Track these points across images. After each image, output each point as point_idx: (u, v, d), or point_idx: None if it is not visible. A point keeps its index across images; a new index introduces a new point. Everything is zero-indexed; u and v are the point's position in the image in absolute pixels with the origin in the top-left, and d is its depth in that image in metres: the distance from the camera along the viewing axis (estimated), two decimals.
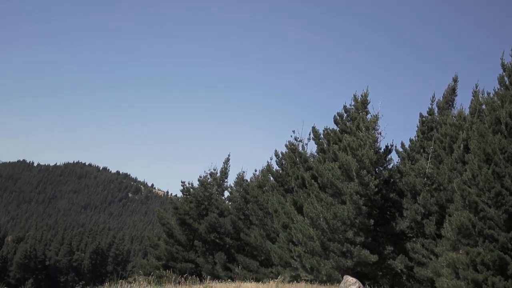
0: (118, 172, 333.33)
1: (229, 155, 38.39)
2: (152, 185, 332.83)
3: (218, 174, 37.63)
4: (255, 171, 37.73)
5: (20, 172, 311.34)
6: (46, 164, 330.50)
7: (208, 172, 37.62)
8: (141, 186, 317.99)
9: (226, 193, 38.12)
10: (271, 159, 34.12)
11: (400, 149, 29.54)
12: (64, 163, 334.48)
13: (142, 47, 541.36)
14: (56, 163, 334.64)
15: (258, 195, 31.41)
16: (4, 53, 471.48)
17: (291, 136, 32.19)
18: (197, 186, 37.02)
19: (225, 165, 37.83)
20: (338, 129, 28.38)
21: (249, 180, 36.84)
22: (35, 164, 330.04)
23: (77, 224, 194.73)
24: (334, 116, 28.97)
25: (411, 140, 29.15)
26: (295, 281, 20.85)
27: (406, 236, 24.80)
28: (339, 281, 20.88)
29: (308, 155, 30.93)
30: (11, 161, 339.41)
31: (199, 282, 19.83)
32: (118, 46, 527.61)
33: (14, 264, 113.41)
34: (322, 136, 29.66)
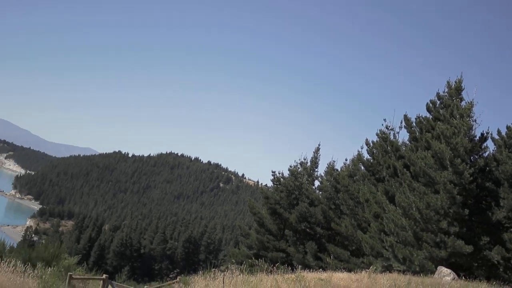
0: (209, 162, 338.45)
1: (319, 145, 38.28)
2: (243, 175, 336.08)
3: (309, 164, 37.54)
4: (346, 160, 37.43)
5: (116, 163, 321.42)
6: (140, 155, 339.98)
7: (299, 162, 37.62)
8: (232, 176, 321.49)
9: (317, 183, 38.04)
10: (361, 148, 33.80)
11: (496, 137, 28.43)
12: (158, 154, 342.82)
13: None
14: (150, 154, 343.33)
15: (349, 184, 31.15)
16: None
17: (382, 124, 31.75)
18: (287, 175, 37.09)
19: (315, 155, 37.69)
20: (431, 116, 27.75)
21: (339, 170, 36.59)
22: (130, 155, 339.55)
23: (170, 214, 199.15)
24: (427, 103, 28.35)
25: (508, 127, 28.04)
26: (387, 272, 20.57)
27: (503, 227, 23.93)
28: (432, 272, 20.44)
29: (399, 144, 30.41)
30: (107, 152, 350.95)
31: (290, 271, 19.83)
32: None
33: (111, 251, 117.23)
34: (414, 124, 29.08)
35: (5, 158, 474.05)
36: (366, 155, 33.12)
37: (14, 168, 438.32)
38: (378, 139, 31.52)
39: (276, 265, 21.04)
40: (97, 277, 21.88)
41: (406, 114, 29.89)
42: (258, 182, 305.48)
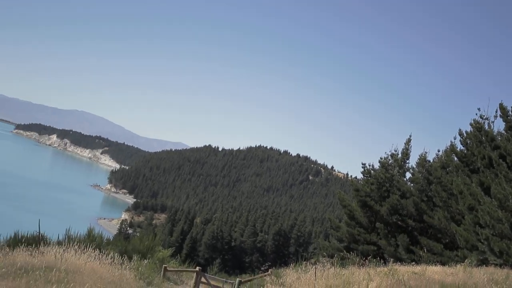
0: (298, 155, 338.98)
1: (410, 136, 37.54)
2: (332, 167, 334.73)
3: (399, 155, 36.90)
4: (438, 151, 36.48)
5: (206, 157, 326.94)
6: (230, 148, 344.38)
7: (389, 153, 37.03)
8: (321, 169, 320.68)
9: (408, 175, 37.30)
10: (454, 138, 32.91)
11: None
12: (247, 147, 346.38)
13: None
14: (240, 148, 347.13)
15: (442, 176, 30.44)
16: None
17: (476, 114, 30.75)
18: (378, 167, 36.60)
19: (407, 146, 37.00)
20: None
21: (431, 161, 35.73)
22: (220, 149, 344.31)
23: (260, 206, 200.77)
24: None
25: None
26: (483, 265, 20.00)
27: None
28: None
29: (495, 134, 29.40)
30: (198, 146, 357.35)
31: (382, 264, 19.60)
32: None
33: (203, 244, 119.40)
34: (510, 113, 28.07)
35: (101, 153, 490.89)
36: (459, 146, 32.26)
37: (109, 163, 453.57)
38: (472, 129, 30.61)
39: (367, 258, 20.84)
40: (190, 269, 22.34)
41: (502, 103, 28.87)
42: (347, 174, 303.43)
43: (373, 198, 34.74)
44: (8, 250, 14.79)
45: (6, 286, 8.95)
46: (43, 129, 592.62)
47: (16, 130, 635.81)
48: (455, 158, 32.30)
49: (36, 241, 16.35)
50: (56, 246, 15.76)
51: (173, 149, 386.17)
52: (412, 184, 36.11)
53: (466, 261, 19.16)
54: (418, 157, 36.05)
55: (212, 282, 20.59)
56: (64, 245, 16.08)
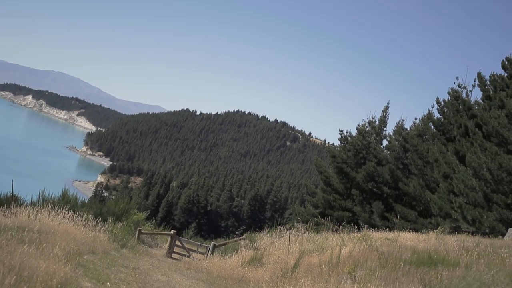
0: (276, 121, 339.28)
1: (388, 103, 37.63)
2: (310, 133, 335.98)
3: (377, 123, 37.00)
4: (415, 119, 36.56)
5: (184, 120, 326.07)
6: (208, 112, 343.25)
7: (367, 121, 37.11)
8: (299, 135, 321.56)
9: (385, 142, 37.50)
10: (432, 107, 33.03)
11: None
12: (225, 112, 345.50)
13: None
14: (217, 112, 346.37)
15: (418, 144, 30.57)
16: None
17: (454, 83, 30.80)
18: (355, 134, 36.70)
19: (384, 113, 37.09)
20: (506, 75, 26.80)
21: (408, 129, 35.87)
22: (197, 113, 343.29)
23: (237, 171, 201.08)
24: (502, 61, 27.35)
25: None
26: (455, 233, 20.20)
27: None
28: (503, 234, 19.95)
29: (472, 103, 29.52)
30: (176, 110, 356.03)
31: (356, 230, 19.73)
32: None
33: (179, 208, 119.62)
34: (488, 82, 28.15)
35: (77, 115, 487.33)
36: (436, 114, 32.38)
37: (85, 125, 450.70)
38: (449, 97, 30.70)
39: (342, 224, 20.98)
40: (165, 232, 22.31)
41: (480, 72, 28.94)
42: (325, 141, 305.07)
43: (350, 165, 34.90)
44: None
45: None
46: (18, 89, 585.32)
47: None
48: (432, 127, 32.46)
49: (9, 201, 16.17)
50: (30, 207, 15.62)
51: (150, 112, 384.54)
52: (388, 152, 36.34)
53: (439, 228, 19.34)
54: (395, 125, 36.20)
55: (187, 246, 20.63)
56: (38, 206, 15.95)
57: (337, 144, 40.66)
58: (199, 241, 25.41)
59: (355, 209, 32.88)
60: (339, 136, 37.61)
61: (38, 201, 17.40)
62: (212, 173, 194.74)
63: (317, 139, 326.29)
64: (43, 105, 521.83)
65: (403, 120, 36.25)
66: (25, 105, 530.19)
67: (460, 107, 29.15)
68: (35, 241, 10.64)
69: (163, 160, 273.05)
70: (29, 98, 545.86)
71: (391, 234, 17.79)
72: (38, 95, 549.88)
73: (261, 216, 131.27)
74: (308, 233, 19.40)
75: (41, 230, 12.37)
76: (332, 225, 20.98)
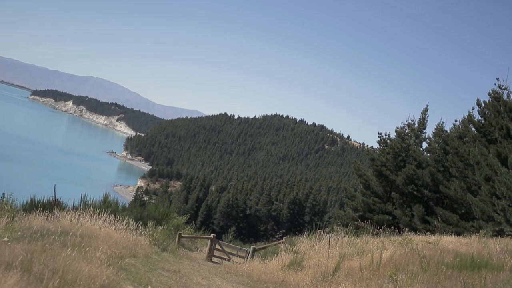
0: (314, 124, 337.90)
1: (427, 105, 37.22)
2: (348, 136, 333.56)
3: (416, 125, 36.64)
4: (455, 121, 36.12)
5: (222, 125, 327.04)
6: (246, 116, 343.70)
7: (406, 123, 36.77)
8: (337, 138, 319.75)
9: (424, 144, 37.09)
10: (472, 108, 32.59)
11: None
12: (263, 116, 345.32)
13: None
14: (255, 116, 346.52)
15: (459, 146, 30.20)
16: None
17: (495, 84, 30.33)
18: (394, 137, 36.40)
19: (423, 115, 36.71)
20: None
21: (448, 131, 35.46)
22: (235, 117, 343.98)
23: (275, 175, 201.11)
24: None
25: None
26: (498, 236, 19.90)
27: None
28: None
29: None
30: (214, 114, 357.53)
31: (397, 234, 19.57)
32: None
33: (218, 212, 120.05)
34: None
35: (117, 120, 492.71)
36: (477, 116, 31.94)
37: (125, 130, 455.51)
38: (490, 99, 30.25)
39: (382, 227, 20.83)
40: (205, 236, 22.42)
41: None
42: (363, 144, 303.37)
43: (389, 167, 34.62)
44: (24, 214, 14.90)
45: (22, 249, 9.01)
46: (59, 96, 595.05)
47: (32, 96, 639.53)
48: (473, 128, 32.04)
49: (51, 206, 16.45)
50: (72, 212, 15.89)
51: (188, 117, 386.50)
52: (428, 154, 35.92)
53: (481, 231, 19.08)
54: (435, 127, 35.81)
55: (227, 249, 20.68)
56: (80, 210, 16.21)
57: (376, 147, 40.43)
58: (239, 245, 25.46)
59: (395, 213, 32.60)
60: (378, 139, 37.37)
61: (80, 205, 17.67)
62: (250, 176, 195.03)
63: (356, 142, 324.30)
64: (83, 111, 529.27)
65: (443, 122, 35.86)
66: (66, 111, 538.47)
67: (501, 108, 28.68)
68: (78, 245, 10.83)
69: (202, 164, 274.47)
70: (70, 104, 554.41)
71: (432, 238, 17.62)
72: (79, 101, 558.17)
73: (300, 219, 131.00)
74: (348, 236, 19.32)
75: (83, 234, 12.59)
76: (372, 228, 20.87)
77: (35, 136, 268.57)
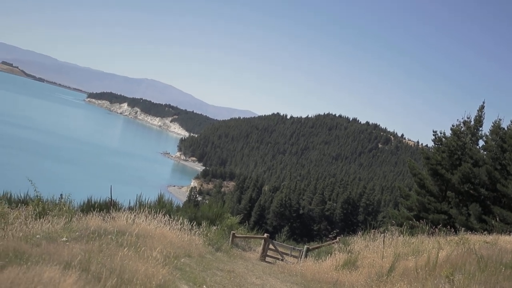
0: (367, 123, 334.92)
1: (483, 102, 36.51)
2: (402, 135, 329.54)
3: (472, 122, 35.96)
4: None
5: (275, 124, 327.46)
6: (298, 116, 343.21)
7: (461, 121, 36.14)
8: (391, 137, 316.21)
9: (481, 142, 36.40)
10: None
11: None
12: (315, 115, 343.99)
13: None
14: (308, 115, 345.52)
15: None
16: None
17: None
18: (449, 135, 35.82)
19: (480, 113, 36.00)
20: None
21: (506, 128, 34.70)
22: (288, 117, 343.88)
23: (328, 174, 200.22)
24: None
25: None
26: None
27: None
28: None
29: None
30: (266, 114, 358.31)
31: (453, 233, 19.26)
32: None
33: (271, 212, 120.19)
34: None
35: (170, 121, 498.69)
36: None
37: (178, 131, 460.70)
38: None
39: (437, 227, 20.53)
40: (258, 236, 22.47)
41: None
42: (418, 142, 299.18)
43: (444, 166, 34.09)
44: (81, 215, 15.23)
45: (80, 249, 9.21)
46: (114, 98, 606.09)
47: (88, 99, 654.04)
48: None
49: (108, 206, 16.75)
50: (127, 212, 16.16)
51: (241, 117, 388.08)
52: (485, 152, 35.22)
53: None
54: (492, 124, 35.08)
55: (280, 249, 20.69)
56: (135, 211, 16.47)
57: (431, 146, 39.84)
58: (292, 245, 25.43)
59: (451, 212, 32.07)
60: (433, 137, 36.83)
61: (135, 206, 17.93)
62: (303, 176, 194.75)
63: (410, 140, 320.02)
64: (137, 113, 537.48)
65: (500, 120, 35.09)
66: (121, 113, 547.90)
67: None
68: (134, 244, 11.00)
69: (254, 164, 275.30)
70: (125, 106, 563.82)
71: (489, 237, 17.29)
72: (133, 102, 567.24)
73: (353, 219, 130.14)
74: (403, 236, 19.10)
75: (139, 234, 12.79)
76: (427, 228, 20.58)
77: (92, 138, 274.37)
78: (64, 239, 10.62)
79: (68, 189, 18.22)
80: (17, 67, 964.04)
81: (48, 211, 14.05)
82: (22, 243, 9.31)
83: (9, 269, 6.62)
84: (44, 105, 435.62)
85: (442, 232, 19.13)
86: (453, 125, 36.12)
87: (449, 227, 22.04)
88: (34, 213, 13.64)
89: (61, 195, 15.88)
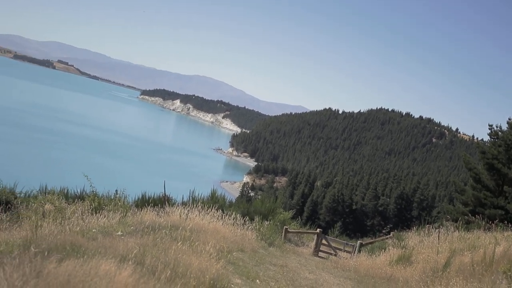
0: (421, 117, 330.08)
1: None
2: (457, 129, 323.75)
3: None
4: None
5: (326, 120, 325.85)
6: (350, 111, 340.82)
7: None
8: (445, 131, 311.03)
9: None
10: None
11: None
12: (368, 110, 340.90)
13: None
14: (360, 110, 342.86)
15: None
16: None
17: None
18: (506, 129, 35.08)
19: None
20: None
21: None
22: (340, 112, 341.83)
23: (381, 170, 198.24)
24: None
25: None
26: None
27: None
28: None
29: None
30: (318, 109, 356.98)
31: (510, 229, 18.87)
32: None
33: (324, 207, 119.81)
34: None
35: (222, 117, 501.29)
36: None
37: (230, 127, 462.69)
38: None
39: (494, 222, 20.16)
40: (311, 231, 22.44)
41: None
42: (473, 136, 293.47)
43: (501, 160, 33.40)
44: (136, 210, 15.50)
45: (135, 243, 9.37)
46: (167, 95, 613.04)
47: (141, 96, 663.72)
48: None
49: (162, 201, 16.98)
50: (181, 207, 16.35)
51: (293, 113, 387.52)
52: None
53: None
54: None
55: (333, 244, 20.63)
56: (188, 206, 16.64)
57: (487, 140, 39.14)
58: (345, 240, 25.32)
59: (508, 207, 31.42)
60: (489, 131, 36.11)
61: (189, 201, 18.13)
62: (356, 171, 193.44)
63: (465, 135, 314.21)
64: (190, 109, 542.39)
65: None
66: (173, 109, 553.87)
67: None
68: (187, 239, 11.13)
69: (306, 159, 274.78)
70: (177, 102, 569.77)
71: None
72: (186, 99, 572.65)
73: (407, 214, 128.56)
74: (458, 231, 18.80)
75: (192, 228, 12.94)
76: (483, 223, 20.23)
77: (145, 134, 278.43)
78: (119, 233, 10.82)
79: (122, 184, 18.54)
80: (73, 66, 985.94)
81: (104, 206, 14.38)
82: (78, 237, 9.53)
83: (67, 262, 6.77)
84: (99, 103, 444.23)
85: (499, 227, 18.77)
86: (509, 119, 35.36)
87: (506, 222, 21.62)
88: (90, 208, 13.99)
89: (116, 190, 16.21)
